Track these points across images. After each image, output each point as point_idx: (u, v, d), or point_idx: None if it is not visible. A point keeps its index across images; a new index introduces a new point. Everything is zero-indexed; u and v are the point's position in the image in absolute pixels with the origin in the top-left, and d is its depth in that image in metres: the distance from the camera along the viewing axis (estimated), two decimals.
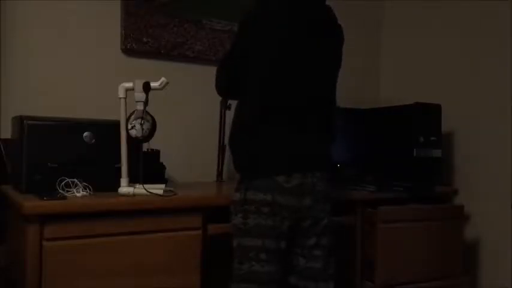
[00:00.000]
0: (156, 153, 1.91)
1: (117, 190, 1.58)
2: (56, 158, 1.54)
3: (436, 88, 2.51)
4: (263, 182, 1.44)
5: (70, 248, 1.41)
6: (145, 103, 1.59)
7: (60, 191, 1.49)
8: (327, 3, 1.64)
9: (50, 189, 1.48)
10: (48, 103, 1.97)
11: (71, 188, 1.51)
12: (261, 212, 1.43)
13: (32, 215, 1.36)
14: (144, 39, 2.16)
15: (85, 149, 1.59)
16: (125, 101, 1.61)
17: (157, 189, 1.59)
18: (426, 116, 2.17)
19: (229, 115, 2.21)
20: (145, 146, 1.75)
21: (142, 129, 1.59)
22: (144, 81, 1.58)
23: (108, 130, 1.63)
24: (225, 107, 2.18)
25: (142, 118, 1.59)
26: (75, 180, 1.53)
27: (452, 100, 2.34)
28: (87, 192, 1.52)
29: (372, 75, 2.88)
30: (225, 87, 1.67)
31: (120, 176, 1.58)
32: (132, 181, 1.60)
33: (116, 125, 1.60)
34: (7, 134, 1.79)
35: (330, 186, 1.54)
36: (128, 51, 2.14)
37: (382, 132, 2.33)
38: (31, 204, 1.36)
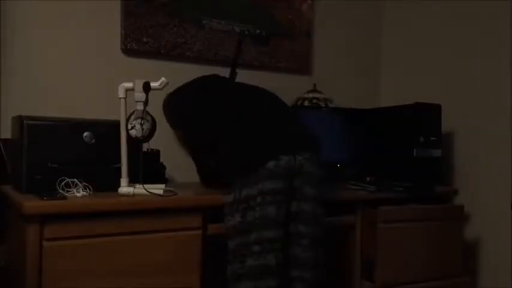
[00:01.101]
0: (156, 153, 1.91)
1: (117, 190, 1.58)
2: (56, 158, 1.54)
3: (436, 88, 2.51)
4: (254, 176, 1.46)
5: (70, 248, 1.41)
6: (145, 103, 1.59)
7: (60, 191, 1.49)
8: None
9: (50, 189, 1.48)
10: (48, 103, 1.97)
11: (71, 188, 1.51)
12: (259, 205, 1.44)
13: (32, 215, 1.36)
14: (144, 39, 2.16)
15: (85, 149, 1.59)
16: (125, 101, 1.61)
17: (157, 189, 1.59)
18: (426, 116, 2.17)
19: None
20: (145, 146, 1.75)
21: (142, 129, 1.59)
22: (144, 81, 1.58)
23: (108, 130, 1.63)
24: None
25: (142, 118, 1.59)
26: (75, 180, 1.53)
27: (452, 100, 2.34)
28: (87, 192, 1.52)
29: (372, 75, 2.89)
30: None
31: (120, 176, 1.58)
32: (132, 181, 1.60)
33: (116, 125, 1.60)
34: (7, 134, 1.79)
35: (320, 169, 1.55)
36: (128, 51, 2.14)
37: (382, 132, 2.33)
38: (31, 204, 1.36)
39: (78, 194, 1.50)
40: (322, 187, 1.57)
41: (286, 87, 2.50)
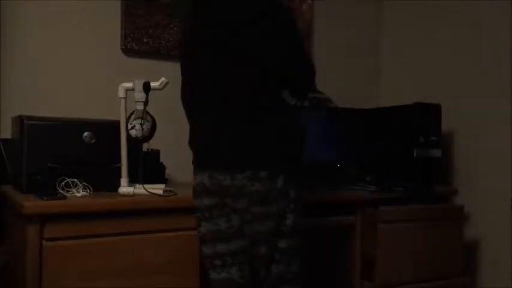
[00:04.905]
0: (156, 153, 1.91)
1: (117, 190, 1.58)
2: (56, 158, 1.54)
3: (436, 88, 2.51)
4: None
5: (70, 248, 1.41)
6: (145, 103, 1.59)
7: (60, 191, 1.49)
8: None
9: (50, 189, 1.48)
10: (48, 103, 1.97)
11: (71, 188, 1.52)
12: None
13: (32, 215, 1.36)
14: (144, 39, 2.16)
15: (85, 149, 1.59)
16: (125, 101, 1.61)
17: (157, 189, 1.59)
18: (426, 116, 2.17)
19: None
20: (145, 146, 1.75)
21: (142, 129, 1.59)
22: (144, 81, 1.58)
23: (108, 130, 1.63)
24: None
25: (142, 118, 1.59)
26: (75, 180, 1.53)
27: (452, 100, 2.33)
28: (87, 192, 1.52)
29: (372, 75, 2.88)
30: None
31: (120, 176, 1.58)
32: (132, 181, 1.60)
33: (116, 125, 1.60)
34: (7, 134, 1.80)
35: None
36: (127, 51, 2.14)
37: (382, 132, 2.33)
38: (31, 204, 1.36)
39: (78, 194, 1.50)
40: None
41: None
